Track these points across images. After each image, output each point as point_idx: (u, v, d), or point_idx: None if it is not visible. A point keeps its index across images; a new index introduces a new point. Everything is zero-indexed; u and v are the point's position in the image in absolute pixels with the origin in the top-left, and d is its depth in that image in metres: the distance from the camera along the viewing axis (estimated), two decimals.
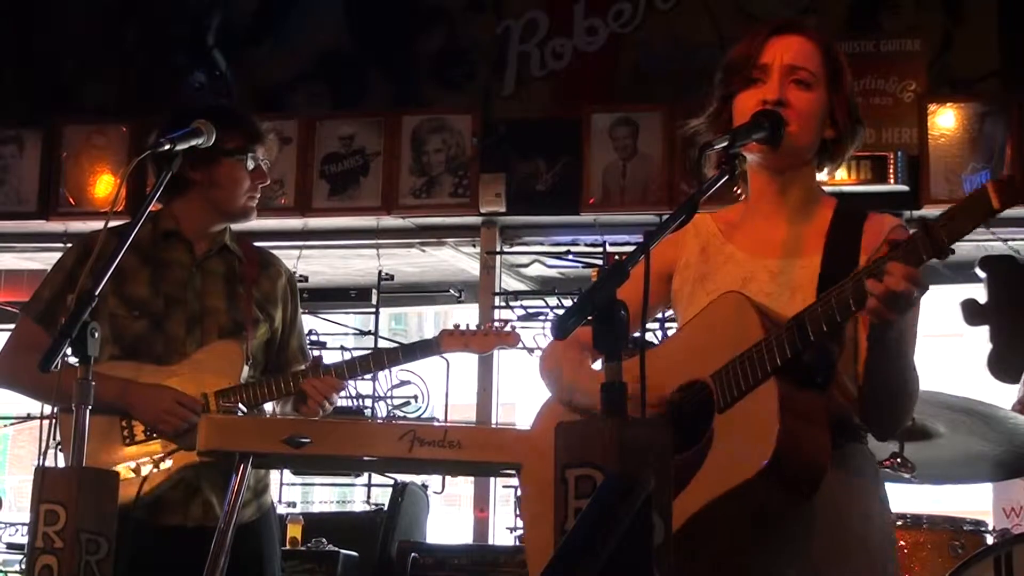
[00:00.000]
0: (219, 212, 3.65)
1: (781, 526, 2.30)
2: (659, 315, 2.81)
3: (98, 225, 3.60)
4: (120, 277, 3.56)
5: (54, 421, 3.27)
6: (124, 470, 3.41)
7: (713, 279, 2.52)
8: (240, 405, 3.47)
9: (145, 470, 3.41)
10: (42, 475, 2.64)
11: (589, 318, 1.99)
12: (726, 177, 2.38)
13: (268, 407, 3.68)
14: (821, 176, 2.60)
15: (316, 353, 4.06)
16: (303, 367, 3.71)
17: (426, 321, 9.47)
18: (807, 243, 2.47)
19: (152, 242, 3.63)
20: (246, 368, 3.59)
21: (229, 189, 3.62)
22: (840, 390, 2.37)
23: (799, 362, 2.24)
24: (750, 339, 2.28)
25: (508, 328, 3.98)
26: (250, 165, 3.62)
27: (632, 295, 2.02)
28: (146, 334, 3.57)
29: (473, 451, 3.03)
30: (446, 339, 3.84)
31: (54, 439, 3.26)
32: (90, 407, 2.67)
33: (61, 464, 3.19)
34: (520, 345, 5.94)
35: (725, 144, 2.38)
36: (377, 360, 3.75)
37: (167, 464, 3.44)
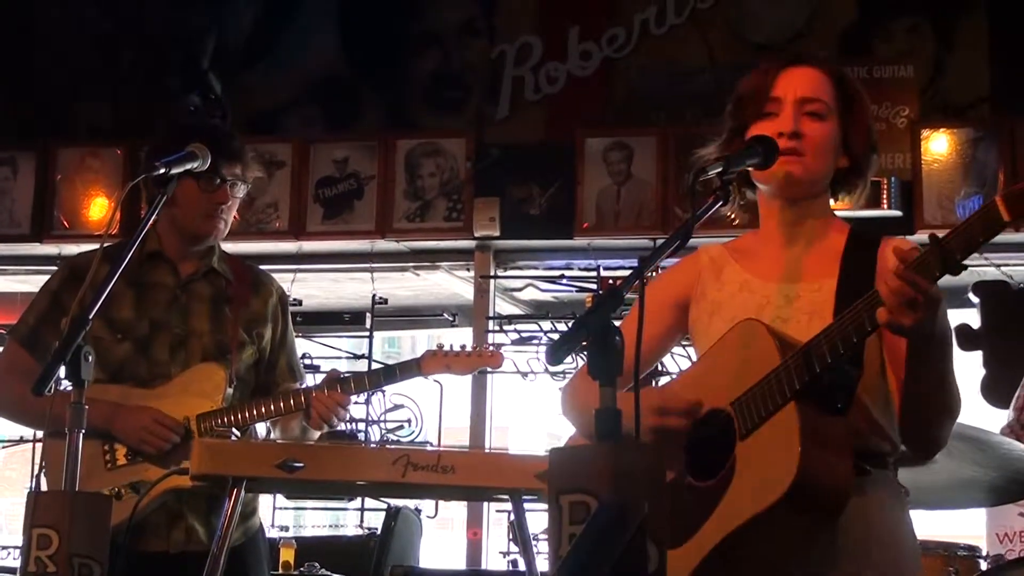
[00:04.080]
0: (180, 232, 3.59)
1: (805, 553, 2.29)
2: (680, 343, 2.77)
3: (92, 247, 3.60)
4: (105, 300, 3.54)
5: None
6: (130, 492, 3.39)
7: (729, 307, 2.51)
8: (234, 429, 3.44)
9: (127, 496, 3.37)
10: (34, 499, 2.63)
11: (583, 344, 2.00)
12: (720, 203, 2.39)
13: (260, 429, 3.65)
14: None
15: (308, 376, 4.01)
16: (298, 386, 3.67)
17: (419, 344, 9.46)
18: (822, 267, 2.46)
19: (137, 264, 3.59)
20: (229, 391, 3.55)
21: (184, 208, 3.54)
22: (864, 417, 2.36)
23: (818, 386, 2.23)
24: (768, 365, 2.27)
25: (491, 349, 3.93)
26: (209, 184, 3.52)
27: (646, 327, 2.03)
28: (130, 357, 3.53)
29: (466, 476, 3.03)
30: (428, 360, 3.76)
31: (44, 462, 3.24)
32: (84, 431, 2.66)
33: (44, 489, 3.17)
34: (514, 368, 6.00)
35: (719, 170, 2.39)
36: (358, 382, 3.65)
37: (148, 489, 3.41)
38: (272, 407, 3.53)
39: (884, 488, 2.41)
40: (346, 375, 3.63)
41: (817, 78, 2.51)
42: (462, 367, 3.81)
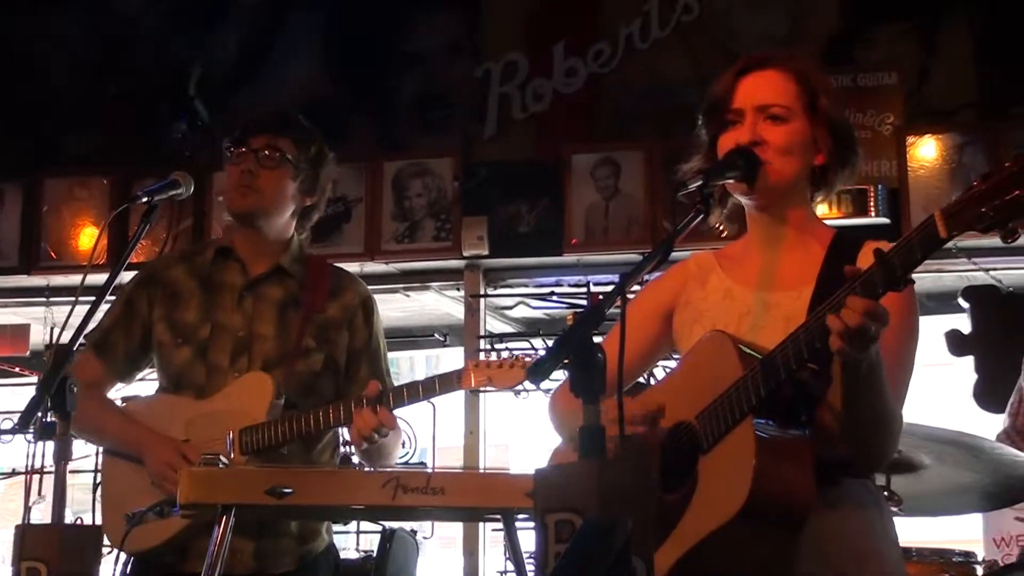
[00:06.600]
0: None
1: (777, 565, 2.28)
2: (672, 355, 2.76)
3: (78, 279, 3.59)
4: (174, 302, 3.47)
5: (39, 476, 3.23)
6: (151, 515, 3.32)
7: (711, 316, 2.52)
8: (231, 454, 3.36)
9: (167, 512, 3.29)
10: (23, 532, 2.62)
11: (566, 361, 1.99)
12: (700, 216, 2.39)
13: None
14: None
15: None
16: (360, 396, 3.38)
17: (418, 365, 9.46)
18: (802, 274, 2.46)
19: (211, 263, 3.52)
20: (279, 402, 3.38)
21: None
22: (838, 425, 2.34)
23: (779, 400, 2.23)
24: (731, 378, 2.27)
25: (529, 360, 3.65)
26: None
27: (633, 338, 2.03)
28: (189, 363, 3.44)
29: (457, 497, 3.01)
30: (468, 373, 3.45)
31: (38, 494, 3.22)
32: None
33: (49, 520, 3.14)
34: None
35: (699, 184, 2.39)
36: (396, 396, 3.36)
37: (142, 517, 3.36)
38: (312, 421, 3.34)
39: (859, 497, 2.40)
40: (399, 386, 3.42)
41: (776, 81, 2.51)
42: (504, 380, 3.51)
